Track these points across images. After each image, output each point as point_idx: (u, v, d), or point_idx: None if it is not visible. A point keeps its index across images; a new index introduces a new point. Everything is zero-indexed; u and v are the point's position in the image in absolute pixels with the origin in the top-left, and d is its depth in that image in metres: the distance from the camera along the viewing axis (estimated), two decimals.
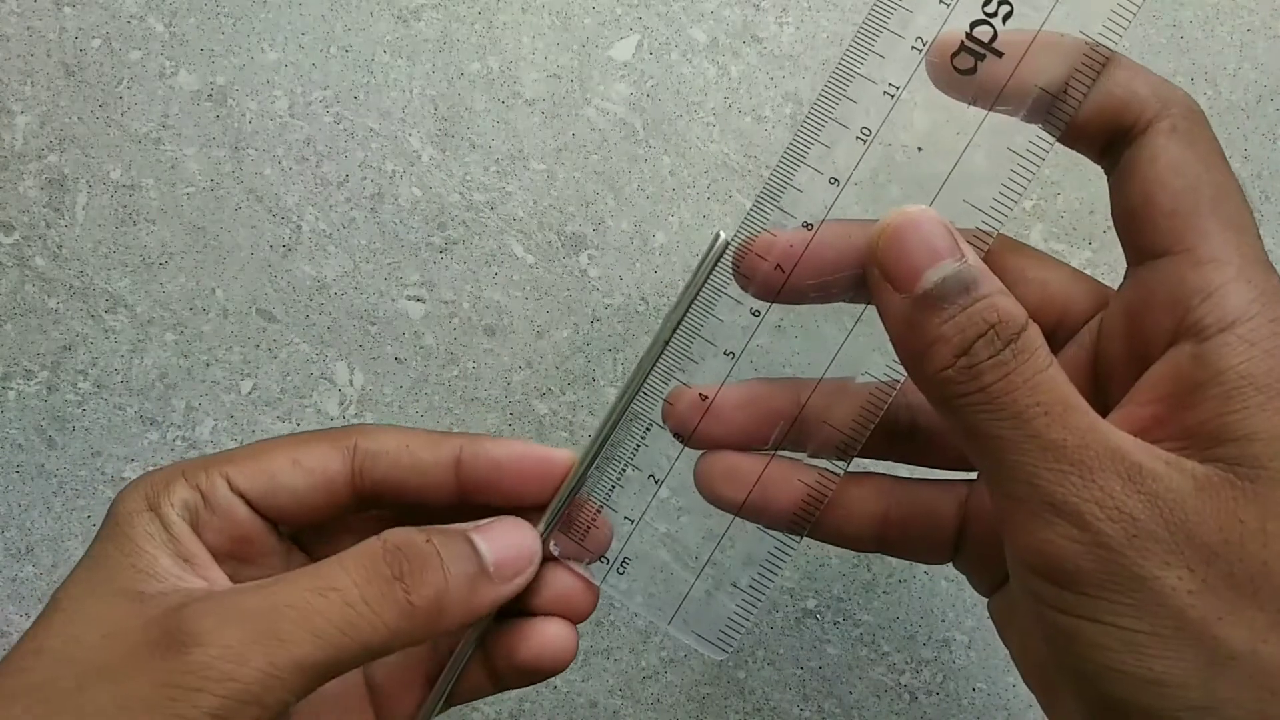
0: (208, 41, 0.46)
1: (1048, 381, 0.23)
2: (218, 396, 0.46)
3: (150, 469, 0.29)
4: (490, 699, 0.46)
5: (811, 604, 0.46)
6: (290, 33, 0.46)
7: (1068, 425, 0.23)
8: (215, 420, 0.46)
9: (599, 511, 0.31)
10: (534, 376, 0.46)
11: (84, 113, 0.46)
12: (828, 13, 0.46)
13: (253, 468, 0.28)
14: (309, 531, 0.31)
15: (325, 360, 0.46)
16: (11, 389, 0.46)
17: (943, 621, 0.46)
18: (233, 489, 0.28)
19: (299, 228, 0.46)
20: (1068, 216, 0.46)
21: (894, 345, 0.26)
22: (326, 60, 0.46)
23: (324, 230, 0.46)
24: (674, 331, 0.29)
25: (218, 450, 0.46)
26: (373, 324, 0.46)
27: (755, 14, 0.46)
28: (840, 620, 0.46)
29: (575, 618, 0.31)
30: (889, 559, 0.46)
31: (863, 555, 0.46)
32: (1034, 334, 0.24)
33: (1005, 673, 0.46)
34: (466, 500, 0.30)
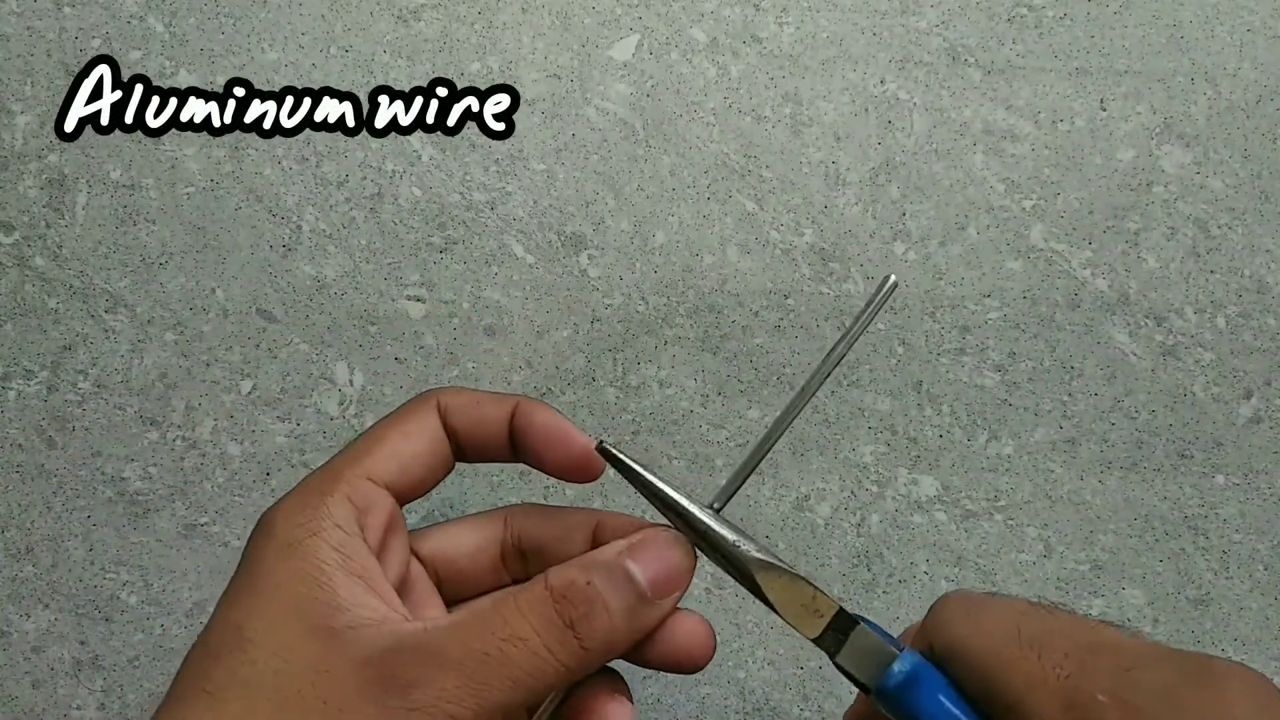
0: (208, 41, 0.46)
1: None
2: (218, 396, 0.46)
3: (285, 494, 0.30)
4: None
5: None
6: (290, 33, 0.46)
7: None
8: (215, 420, 0.46)
9: None
10: (534, 376, 0.46)
11: (84, 112, 0.46)
12: (828, 13, 0.46)
13: (382, 456, 0.30)
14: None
15: (325, 360, 0.46)
16: (11, 389, 0.46)
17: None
18: (377, 484, 0.30)
19: (299, 228, 0.46)
20: (1068, 216, 0.46)
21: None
22: (326, 60, 0.46)
23: (324, 230, 0.46)
24: (835, 366, 0.30)
25: (218, 450, 0.46)
26: (373, 324, 0.46)
27: (755, 14, 0.46)
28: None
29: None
30: (889, 558, 0.46)
31: (862, 555, 0.46)
32: None
33: None
34: (516, 454, 0.32)
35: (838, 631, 0.29)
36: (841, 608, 0.29)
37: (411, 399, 0.32)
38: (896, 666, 0.28)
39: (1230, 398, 0.46)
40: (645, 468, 0.30)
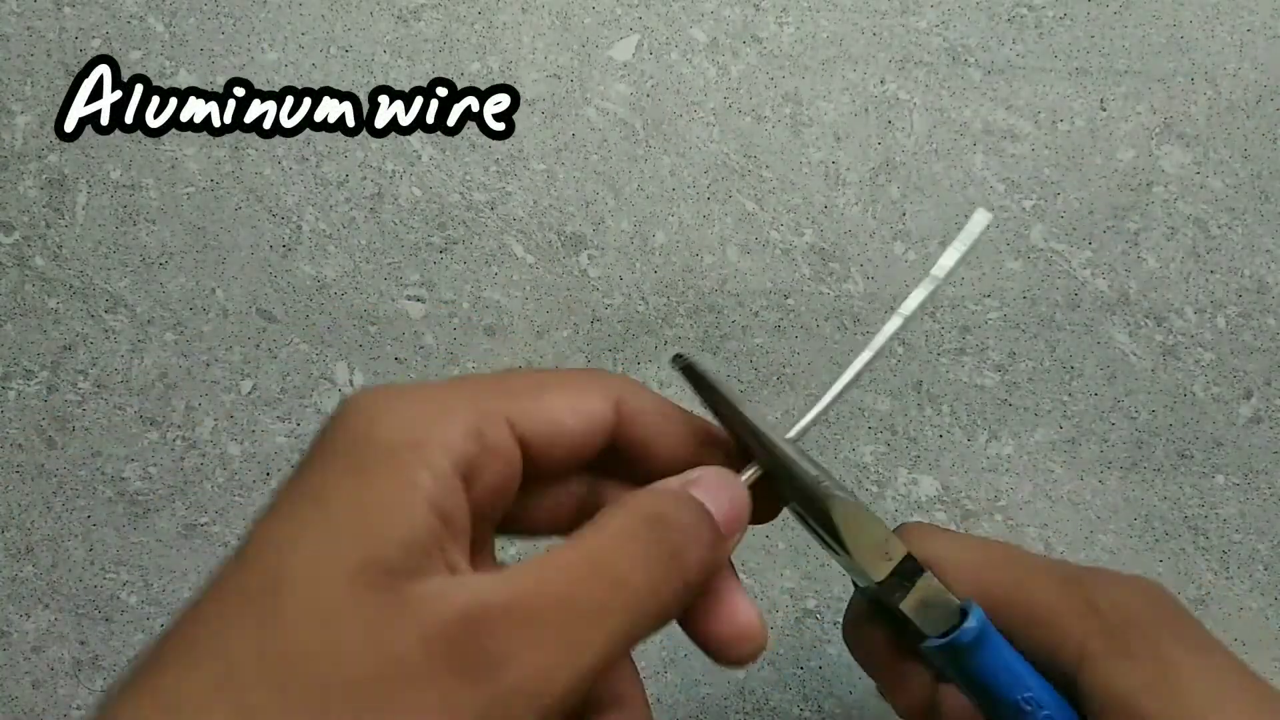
0: (208, 41, 0.46)
1: None
2: (218, 396, 0.46)
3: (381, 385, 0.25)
4: None
5: (811, 604, 0.46)
6: (290, 33, 0.46)
7: None
8: (215, 420, 0.46)
9: None
10: None
11: (84, 112, 0.46)
12: (828, 13, 0.46)
13: (538, 410, 0.25)
14: None
15: (325, 360, 0.46)
16: (11, 389, 0.46)
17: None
18: (513, 431, 0.24)
19: (299, 228, 0.46)
20: (1068, 216, 0.46)
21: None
22: (326, 60, 0.46)
23: (324, 230, 0.46)
24: (930, 293, 0.29)
25: (218, 450, 0.46)
26: (373, 324, 0.46)
27: (755, 14, 0.46)
28: (840, 620, 0.46)
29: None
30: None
31: None
32: None
33: None
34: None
35: (902, 578, 0.29)
36: (910, 553, 0.29)
37: (597, 373, 0.27)
38: (969, 623, 0.28)
39: (1230, 398, 0.46)
40: (726, 389, 0.28)
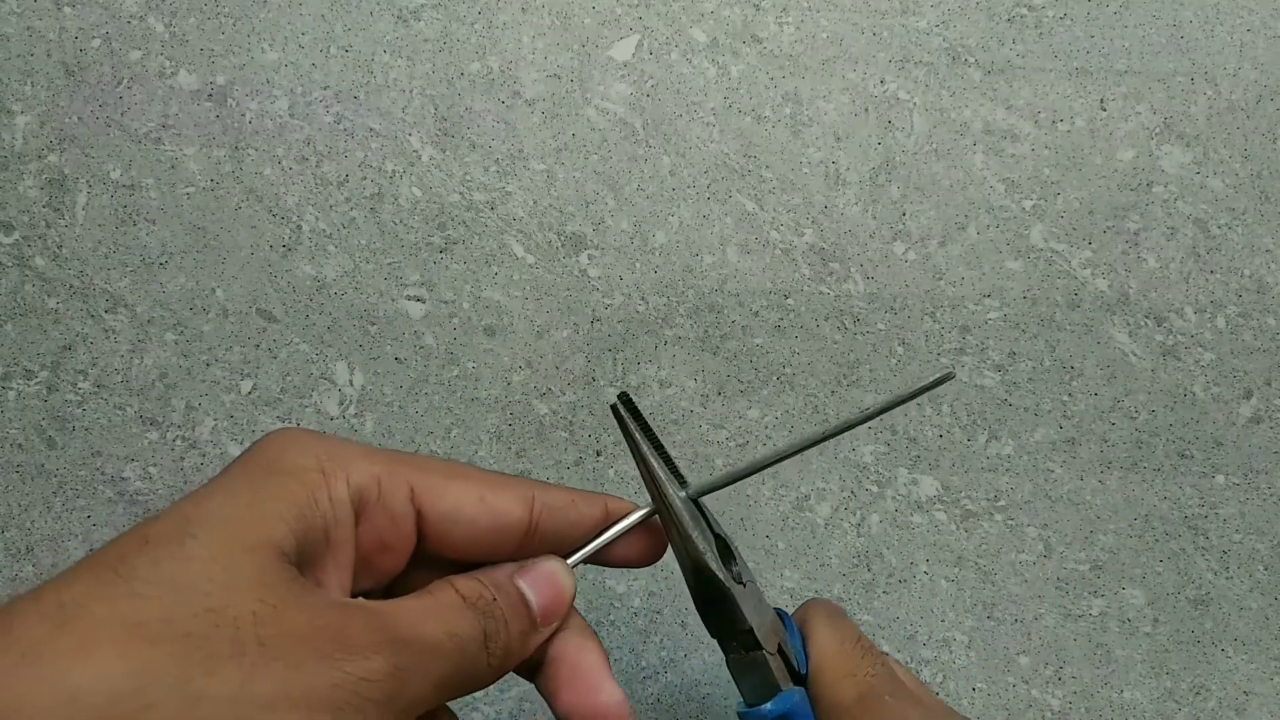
0: (208, 41, 0.46)
1: None
2: (218, 396, 0.46)
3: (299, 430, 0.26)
4: (490, 699, 0.46)
5: None
6: (290, 33, 0.46)
7: None
8: (215, 420, 0.46)
9: None
10: (534, 376, 0.46)
11: (84, 113, 0.46)
12: (828, 13, 0.46)
13: (442, 488, 0.27)
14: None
15: (325, 360, 0.46)
16: (11, 389, 0.46)
17: (943, 622, 0.46)
18: (412, 500, 0.27)
19: (299, 228, 0.46)
20: (1067, 216, 0.46)
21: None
22: (326, 60, 0.46)
23: (324, 230, 0.46)
24: (863, 423, 0.31)
25: (218, 450, 0.46)
26: (373, 324, 0.46)
27: (755, 14, 0.46)
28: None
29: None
30: (889, 558, 0.46)
31: (862, 555, 0.46)
32: None
33: (1005, 673, 0.46)
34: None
35: (744, 647, 0.31)
36: (754, 633, 0.31)
37: (508, 477, 0.29)
38: (770, 706, 0.30)
39: (1230, 398, 0.46)
40: (647, 437, 0.30)
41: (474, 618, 0.26)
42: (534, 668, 0.29)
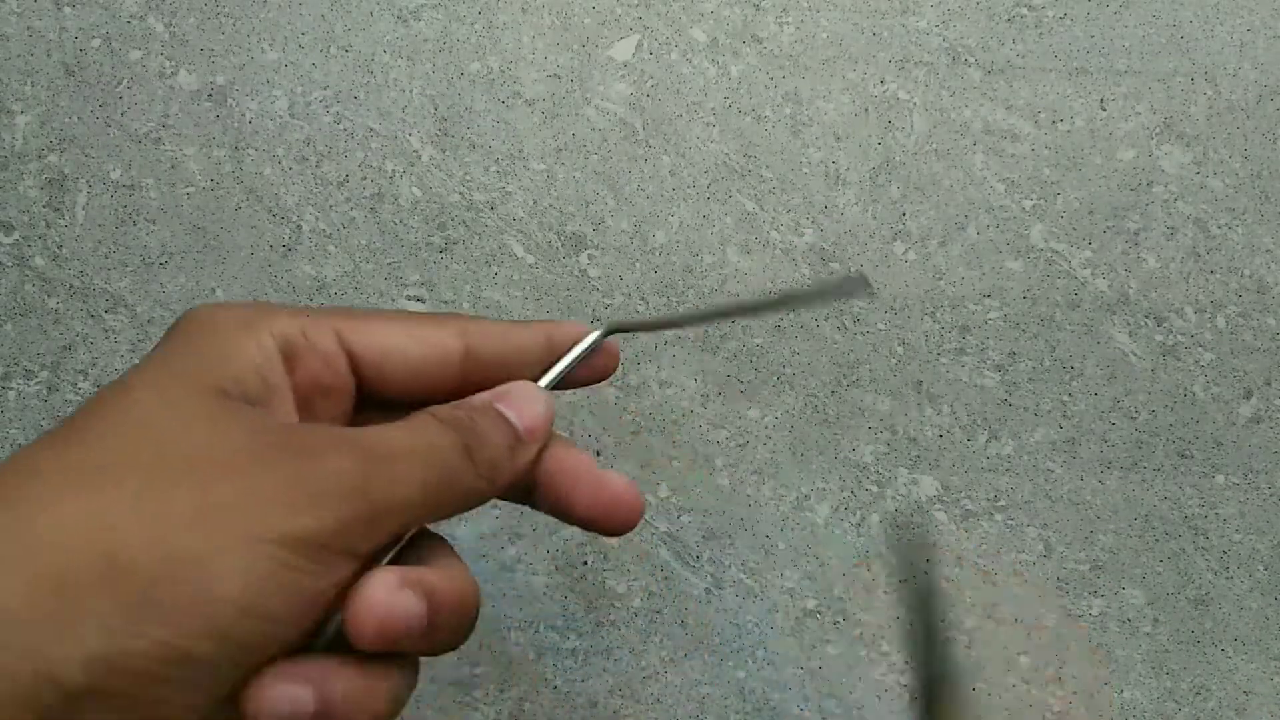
0: (208, 41, 0.46)
1: None
2: None
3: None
4: (490, 699, 0.46)
5: (811, 604, 0.46)
6: (290, 33, 0.46)
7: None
8: None
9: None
10: None
11: (84, 113, 0.46)
12: (828, 13, 0.46)
13: (369, 327, 0.28)
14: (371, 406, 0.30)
15: None
16: (11, 389, 0.46)
17: (943, 622, 0.46)
18: (340, 342, 0.28)
19: (299, 228, 0.46)
20: (1067, 216, 0.46)
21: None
22: (326, 60, 0.46)
23: (324, 230, 0.46)
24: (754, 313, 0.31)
25: None
26: None
27: (755, 14, 0.46)
28: (840, 620, 0.46)
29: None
30: (889, 558, 0.46)
31: (862, 555, 0.46)
32: None
33: (1005, 673, 0.46)
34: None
35: None
36: None
37: (435, 314, 0.30)
38: None
39: (1230, 398, 0.46)
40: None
41: (450, 431, 0.26)
42: (529, 492, 0.30)
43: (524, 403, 0.29)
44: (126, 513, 0.22)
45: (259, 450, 0.23)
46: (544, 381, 0.31)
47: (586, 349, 0.31)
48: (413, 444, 0.25)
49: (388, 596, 0.24)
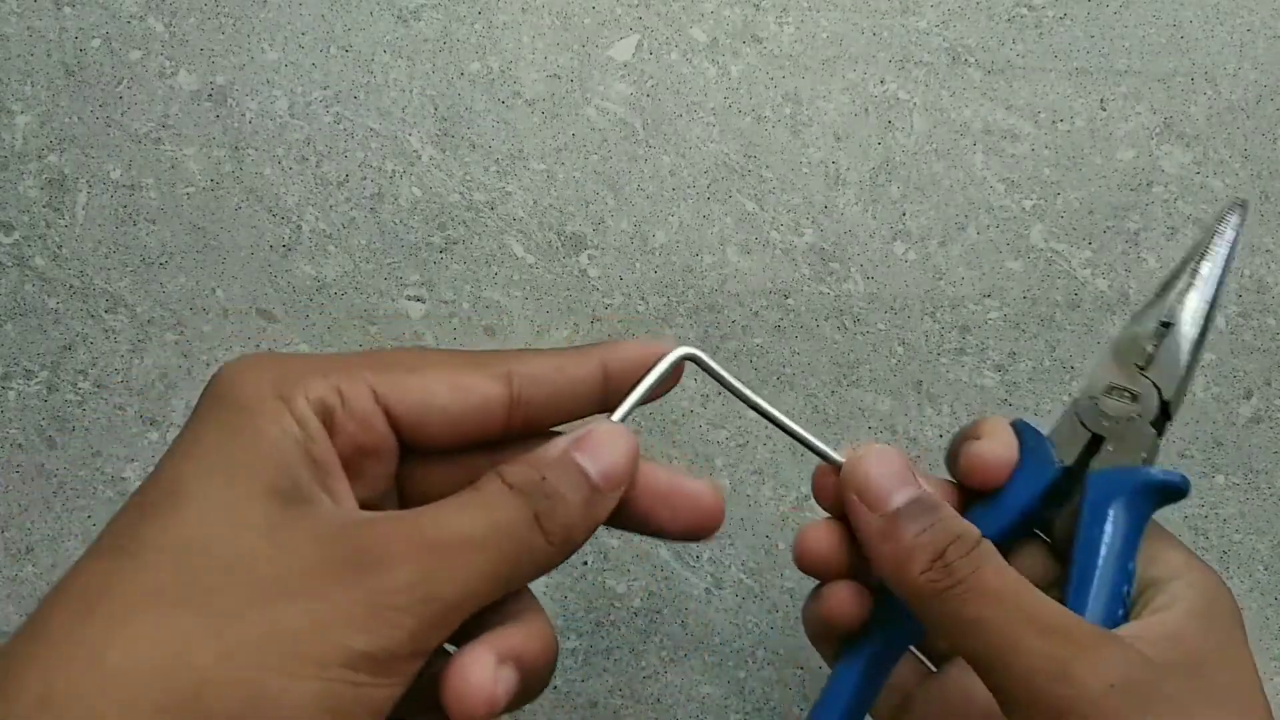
0: (208, 41, 0.46)
1: (1010, 572, 0.28)
2: None
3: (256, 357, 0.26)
4: None
5: None
6: (290, 33, 0.46)
7: (1039, 600, 0.27)
8: None
9: None
10: None
11: (84, 113, 0.46)
12: (828, 13, 0.46)
13: (406, 382, 0.26)
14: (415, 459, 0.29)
15: None
16: (11, 389, 0.46)
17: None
18: (377, 399, 0.26)
19: (299, 228, 0.46)
20: (1067, 216, 0.46)
21: (872, 557, 0.30)
22: (326, 60, 0.46)
23: (324, 230, 0.46)
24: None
25: None
26: (373, 324, 0.46)
27: (755, 14, 0.46)
28: None
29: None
30: None
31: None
32: (988, 542, 0.29)
33: None
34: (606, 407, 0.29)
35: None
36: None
37: (481, 354, 0.28)
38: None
39: (1230, 398, 0.46)
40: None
41: (519, 501, 0.25)
42: (615, 516, 0.28)
43: (604, 448, 0.27)
44: (202, 644, 0.21)
45: (325, 567, 0.23)
46: (619, 414, 0.28)
47: (667, 370, 0.29)
48: (480, 528, 0.24)
49: (487, 676, 0.24)
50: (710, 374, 0.30)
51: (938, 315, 0.46)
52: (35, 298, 0.46)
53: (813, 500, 0.46)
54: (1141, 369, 0.32)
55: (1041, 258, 0.46)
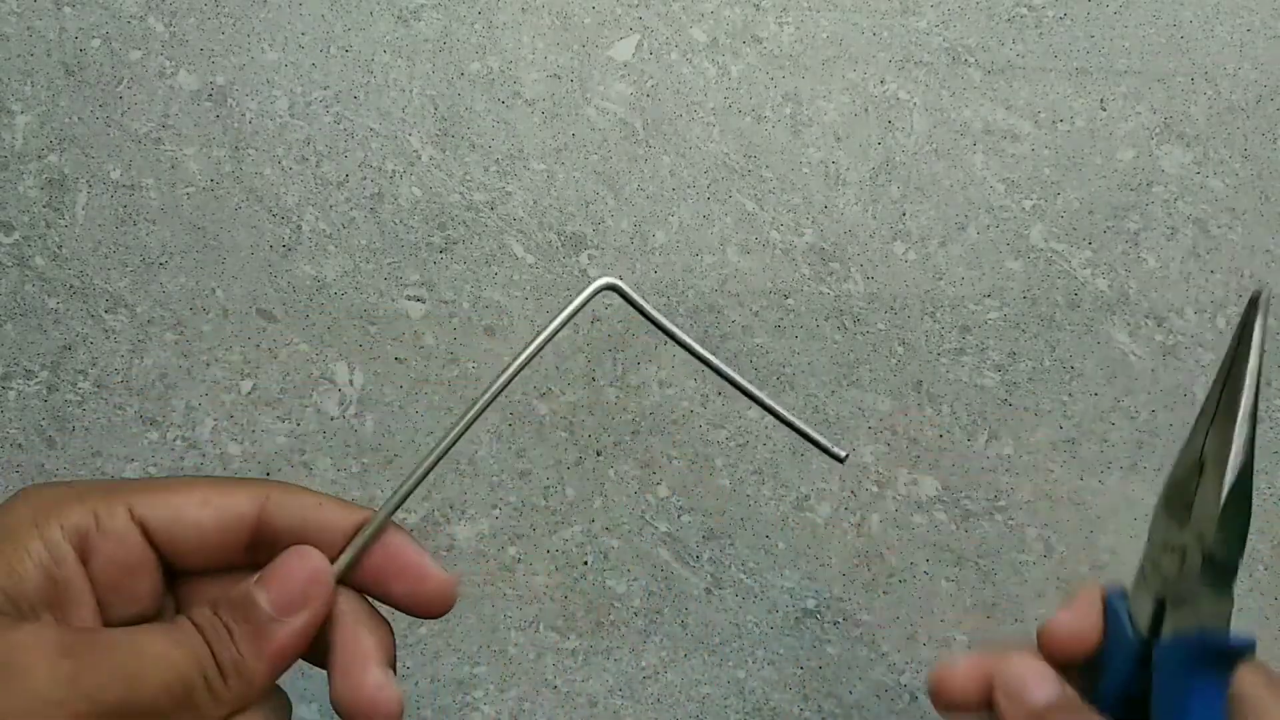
0: (208, 41, 0.46)
1: None
2: (218, 396, 0.46)
3: (52, 482, 0.29)
4: (490, 699, 0.46)
5: (811, 604, 0.46)
6: (290, 33, 0.46)
7: None
8: (215, 420, 0.46)
9: None
10: (534, 376, 0.46)
11: (84, 113, 0.46)
12: (828, 13, 0.46)
13: (158, 499, 0.28)
14: (187, 578, 0.30)
15: (325, 360, 0.46)
16: (11, 389, 0.46)
17: (942, 621, 0.46)
18: (133, 517, 0.28)
19: (299, 228, 0.46)
20: (1067, 216, 0.46)
21: None
22: (326, 60, 0.46)
23: (324, 230, 0.46)
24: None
25: (218, 450, 0.46)
26: (373, 324, 0.46)
27: (755, 14, 0.46)
28: (840, 620, 0.46)
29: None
30: (889, 558, 0.46)
31: (863, 555, 0.46)
32: None
33: None
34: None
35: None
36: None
37: (249, 479, 0.30)
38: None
39: None
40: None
41: (188, 641, 0.27)
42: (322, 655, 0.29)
43: (285, 573, 0.28)
44: None
45: (54, 664, 0.25)
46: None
47: (588, 298, 0.30)
48: (158, 651, 0.26)
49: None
50: (632, 304, 0.31)
51: (938, 315, 0.46)
52: (35, 298, 0.46)
53: (812, 500, 0.47)
54: (1183, 523, 0.29)
55: (1041, 258, 0.46)
